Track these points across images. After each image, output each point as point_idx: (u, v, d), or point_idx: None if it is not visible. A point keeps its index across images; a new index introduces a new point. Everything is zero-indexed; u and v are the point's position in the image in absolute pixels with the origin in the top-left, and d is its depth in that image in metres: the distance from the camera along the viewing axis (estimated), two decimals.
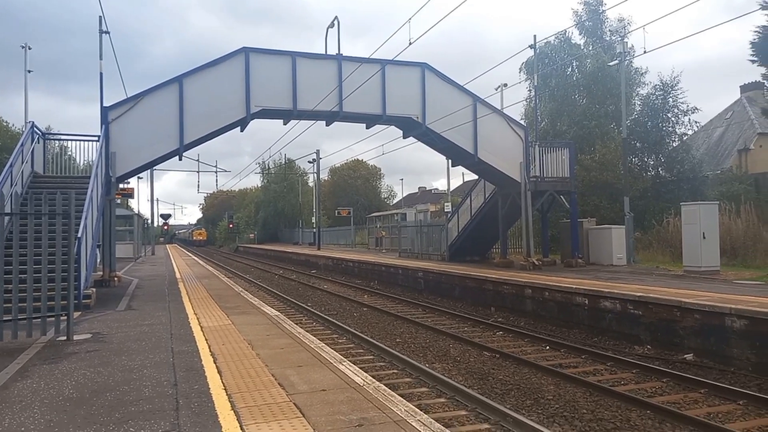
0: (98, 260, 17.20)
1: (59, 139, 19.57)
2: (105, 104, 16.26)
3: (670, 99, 28.02)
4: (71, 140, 17.53)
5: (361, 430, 4.48)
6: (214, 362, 6.80)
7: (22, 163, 14.04)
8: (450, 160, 24.29)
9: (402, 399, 5.44)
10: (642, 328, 11.29)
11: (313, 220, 51.55)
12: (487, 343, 11.72)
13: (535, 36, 22.27)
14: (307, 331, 10.05)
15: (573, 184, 20.94)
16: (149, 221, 52.87)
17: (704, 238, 15.56)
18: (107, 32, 17.32)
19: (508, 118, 20.56)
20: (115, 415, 4.92)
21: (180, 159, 17.82)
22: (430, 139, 19.94)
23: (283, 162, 66.18)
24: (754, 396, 7.76)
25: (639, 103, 30.19)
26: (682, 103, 28.02)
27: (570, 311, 13.28)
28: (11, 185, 12.79)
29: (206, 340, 8.20)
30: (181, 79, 16.66)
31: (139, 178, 44.18)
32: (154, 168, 32.38)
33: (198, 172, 43.56)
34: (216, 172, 42.66)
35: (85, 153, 17.18)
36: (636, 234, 21.85)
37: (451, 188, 41.07)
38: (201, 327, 9.31)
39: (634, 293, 11.69)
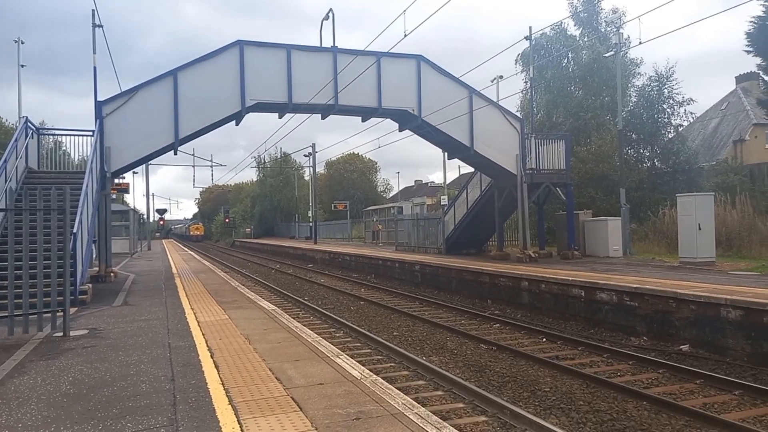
0: (94, 256, 17.16)
1: (53, 134, 19.50)
2: (99, 98, 16.18)
3: (666, 90, 28.00)
4: (66, 135, 17.45)
5: (359, 423, 4.49)
6: (211, 357, 6.80)
7: (17, 158, 13.98)
8: (446, 153, 24.29)
9: (399, 392, 5.46)
10: (638, 319, 11.33)
11: (310, 214, 51.51)
12: (484, 335, 11.75)
13: (530, 27, 22.21)
14: (304, 325, 10.06)
15: (569, 176, 20.96)
16: (145, 216, 52.75)
17: (700, 229, 15.60)
18: (100, 26, 17.22)
19: (504, 110, 20.53)
20: (113, 410, 4.92)
21: (175, 153, 17.78)
22: (426, 132, 19.91)
23: (279, 156, 66.10)
24: (749, 386, 7.80)
25: (634, 94, 30.17)
26: (678, 94, 28.03)
27: (566, 303, 13.31)
28: (5, 181, 12.74)
29: (203, 334, 8.20)
30: (175, 72, 16.58)
31: (134, 173, 44.15)
32: (150, 162, 32.30)
33: (193, 166, 43.57)
34: (211, 166, 42.69)
35: (79, 148, 17.13)
36: (632, 225, 21.89)
37: (448, 181, 41.07)
38: (198, 322, 9.31)
39: (630, 285, 11.72)
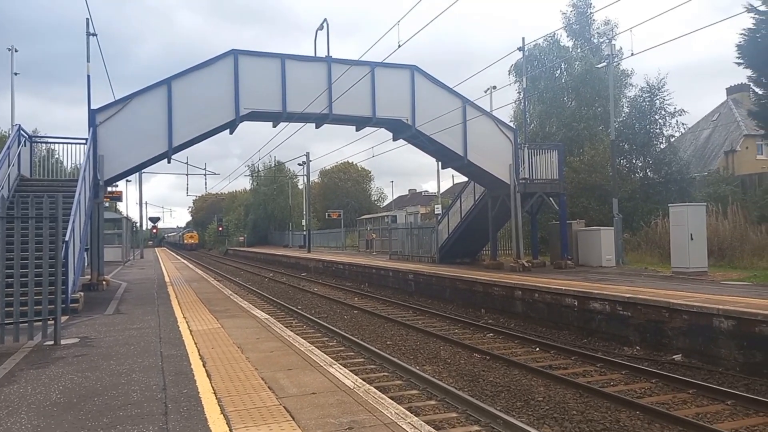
0: (86, 264, 17.06)
1: (46, 142, 19.44)
2: (93, 107, 16.15)
3: (657, 101, 28.21)
4: (58, 143, 17.40)
5: None
6: (204, 366, 6.76)
7: (9, 166, 13.91)
8: (440, 163, 24.32)
9: (392, 402, 5.44)
10: (631, 329, 11.34)
11: (303, 223, 51.44)
12: (477, 345, 11.74)
13: (523, 38, 22.33)
14: (297, 334, 10.03)
15: (562, 185, 21.04)
16: (138, 224, 52.54)
17: (692, 239, 15.67)
18: (94, 34, 17.21)
19: (498, 121, 20.63)
20: (103, 419, 4.88)
21: (169, 162, 17.74)
22: (419, 142, 19.96)
23: (273, 164, 66.04)
24: (742, 396, 7.82)
25: (627, 105, 30.38)
26: (669, 105, 28.24)
27: (560, 313, 13.32)
28: None
29: (195, 343, 8.15)
30: (169, 81, 16.58)
31: (127, 181, 43.85)
32: (143, 171, 32.22)
33: (187, 174, 43.41)
34: (205, 174, 42.57)
35: (72, 156, 17.09)
36: (625, 235, 21.97)
37: (441, 190, 41.18)
38: (190, 330, 9.26)
39: (623, 294, 11.75)
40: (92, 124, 15.79)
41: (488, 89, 26.91)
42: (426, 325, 14.35)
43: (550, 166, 20.83)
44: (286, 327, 10.49)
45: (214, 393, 5.60)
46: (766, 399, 7.67)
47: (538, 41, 30.88)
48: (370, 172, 71.03)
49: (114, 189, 23.96)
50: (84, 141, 15.98)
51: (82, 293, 13.10)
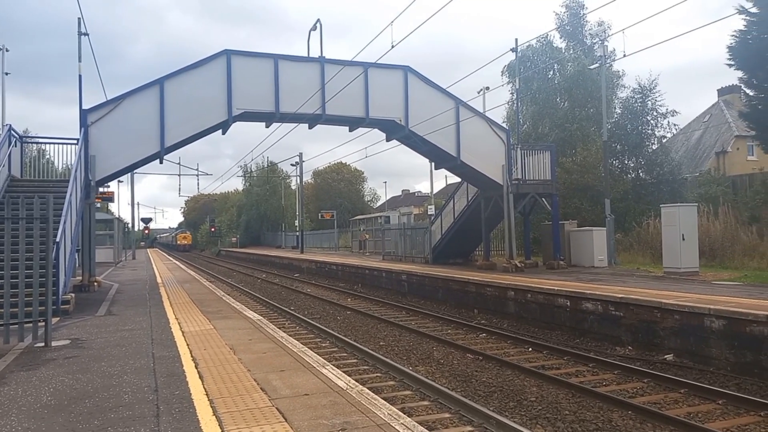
0: (77, 265, 16.97)
1: (37, 143, 19.33)
2: (84, 107, 16.07)
3: (649, 102, 28.36)
4: (50, 143, 17.29)
5: None
6: (196, 367, 6.73)
7: None
8: (433, 163, 24.34)
9: (385, 402, 5.44)
10: (623, 329, 11.39)
11: (296, 224, 51.35)
12: (470, 345, 11.75)
13: (516, 39, 22.40)
14: (289, 335, 10.00)
15: (554, 186, 21.11)
16: (130, 225, 52.31)
17: (683, 239, 15.75)
18: (86, 34, 17.12)
19: (491, 121, 20.67)
20: (94, 422, 4.85)
21: (161, 162, 17.67)
22: (413, 142, 19.98)
23: (266, 165, 65.91)
24: (733, 395, 7.86)
25: (619, 106, 30.53)
26: (661, 106, 28.41)
27: (552, 313, 13.36)
28: None
29: (187, 345, 8.12)
30: (161, 81, 16.52)
31: (119, 181, 43.74)
32: (135, 171, 32.09)
33: (179, 175, 43.24)
34: (197, 175, 42.42)
35: (63, 156, 16.98)
36: (617, 236, 22.06)
37: (435, 191, 41.21)
38: (182, 332, 9.22)
39: (615, 295, 11.79)
40: (84, 124, 15.71)
41: (481, 90, 26.98)
42: (419, 326, 14.35)
43: (543, 167, 20.90)
44: (279, 328, 10.47)
45: (207, 394, 5.58)
46: (756, 398, 7.72)
47: (531, 42, 31.02)
48: (363, 173, 71.11)
49: (105, 189, 23.83)
50: (75, 141, 15.90)
51: (73, 294, 13.03)
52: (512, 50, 22.96)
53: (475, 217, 21.79)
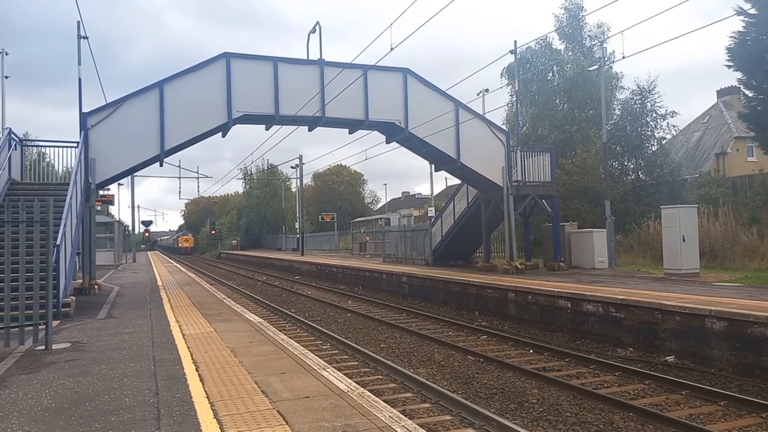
0: (77, 268, 16.96)
1: (37, 146, 19.38)
2: (84, 110, 16.07)
3: (648, 104, 28.38)
4: (49, 147, 17.31)
5: None
6: (197, 370, 6.73)
7: None
8: (433, 165, 24.34)
9: (386, 405, 5.43)
10: (624, 330, 11.38)
11: (297, 226, 51.35)
12: (471, 347, 11.74)
13: (515, 41, 22.46)
14: (290, 337, 9.99)
15: (554, 188, 21.10)
16: (130, 228, 52.31)
17: (684, 240, 15.75)
18: (86, 37, 17.13)
19: (490, 123, 20.68)
20: (95, 425, 4.84)
21: (161, 165, 17.69)
22: (413, 144, 19.98)
23: (266, 167, 65.93)
24: (734, 397, 7.85)
25: (618, 107, 30.55)
26: (660, 107, 28.43)
27: (553, 315, 13.35)
28: None
29: (188, 347, 8.11)
30: (161, 84, 16.53)
31: (119, 184, 43.71)
32: (135, 174, 32.06)
33: (179, 177, 43.24)
34: (197, 177, 42.42)
35: (64, 159, 16.97)
36: (617, 237, 22.05)
37: (435, 193, 41.17)
38: (183, 335, 9.21)
39: (615, 296, 11.78)
40: (83, 127, 15.71)
41: (481, 92, 26.95)
42: (420, 328, 14.34)
43: (543, 169, 20.89)
44: (280, 330, 10.47)
45: (207, 397, 5.58)
46: (758, 399, 7.72)
47: (530, 44, 31.03)
48: (363, 175, 71.13)
49: (106, 192, 23.86)
50: (75, 144, 15.90)
51: (73, 297, 13.02)
52: (511, 52, 23.00)
53: (475, 219, 21.79)
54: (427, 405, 7.93)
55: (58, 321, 10.53)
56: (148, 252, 70.87)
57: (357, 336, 13.77)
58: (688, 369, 9.59)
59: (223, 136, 18.10)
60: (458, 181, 24.31)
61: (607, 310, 11.78)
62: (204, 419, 4.90)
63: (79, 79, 17.01)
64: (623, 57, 17.42)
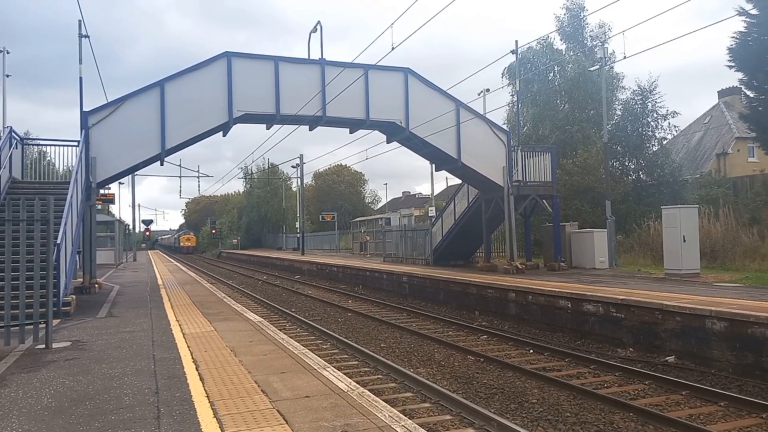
0: (78, 267, 16.95)
1: (38, 144, 19.34)
2: (85, 109, 16.07)
3: (649, 104, 28.36)
4: (50, 145, 17.29)
5: None
6: (197, 369, 6.73)
7: (0, 169, 13.82)
8: (434, 165, 24.33)
9: (386, 404, 5.43)
10: (624, 330, 11.37)
11: (297, 225, 51.34)
12: (471, 347, 11.74)
13: (516, 41, 22.44)
14: (290, 337, 10.00)
15: (555, 188, 21.08)
16: (130, 227, 52.31)
17: (684, 241, 15.74)
18: (87, 36, 17.12)
19: (491, 123, 20.67)
20: (95, 424, 4.84)
21: (162, 164, 17.68)
22: (413, 144, 19.97)
23: (266, 167, 65.92)
24: (734, 397, 7.84)
25: (619, 108, 30.53)
26: (661, 107, 28.41)
27: (553, 315, 13.34)
28: None
29: (188, 347, 8.11)
30: (162, 83, 16.53)
31: (120, 183, 43.75)
32: (136, 173, 32.09)
33: (180, 177, 43.14)
34: (198, 177, 42.32)
35: (64, 158, 16.96)
36: (618, 237, 22.04)
37: (435, 193, 41.16)
38: (183, 334, 9.21)
39: (616, 296, 11.78)
40: (84, 126, 15.71)
41: (481, 92, 26.95)
42: (420, 328, 14.34)
43: (544, 169, 20.88)
44: (280, 330, 10.47)
45: (207, 396, 5.58)
46: (758, 400, 7.71)
47: (531, 44, 31.00)
48: (363, 175, 71.09)
49: (106, 191, 23.87)
50: (76, 143, 15.89)
51: (74, 296, 13.03)
52: (512, 52, 22.96)
53: (475, 219, 21.78)
54: (427, 405, 7.93)
55: (59, 320, 10.53)
56: (149, 251, 70.88)
57: (357, 335, 13.77)
58: (688, 369, 9.58)
59: (224, 135, 18.10)
60: (459, 181, 24.31)
61: (608, 310, 11.77)
62: (204, 418, 4.90)
63: (80, 78, 17.01)
64: (624, 57, 17.42)
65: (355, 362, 10.74)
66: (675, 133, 31.18)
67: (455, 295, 17.68)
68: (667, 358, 10.20)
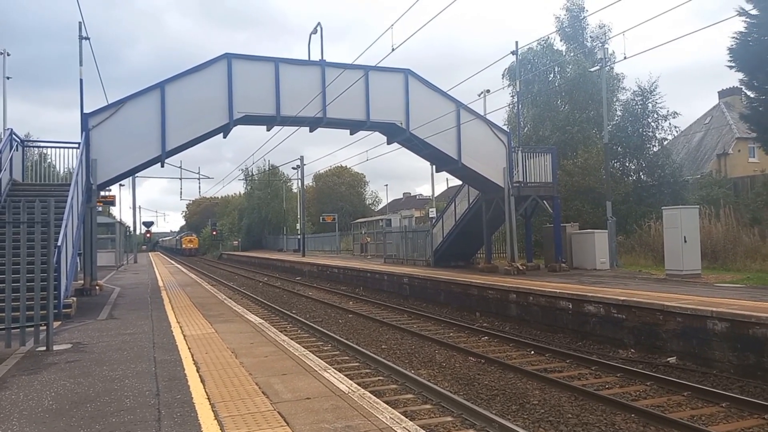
0: (79, 269, 16.95)
1: (39, 146, 19.36)
2: (85, 111, 16.08)
3: (650, 104, 28.35)
4: (51, 147, 17.30)
5: None
6: (197, 371, 6.72)
7: (1, 171, 13.82)
8: (434, 166, 24.34)
9: (387, 406, 5.42)
10: (625, 331, 11.36)
11: (298, 227, 51.35)
12: (472, 348, 11.73)
13: (517, 42, 22.50)
14: (291, 338, 9.98)
15: (556, 189, 21.08)
16: (131, 229, 52.33)
17: (685, 241, 15.72)
18: (87, 38, 17.14)
19: (492, 124, 20.67)
20: (96, 426, 4.83)
21: (162, 166, 17.70)
22: (414, 145, 19.97)
23: (267, 168, 65.97)
24: (736, 398, 7.83)
25: (620, 108, 30.52)
26: (661, 108, 28.40)
27: (554, 315, 13.33)
28: None
29: (189, 348, 8.11)
30: (163, 85, 16.54)
31: (120, 185, 43.75)
32: (136, 175, 32.08)
33: (180, 178, 43.28)
34: (199, 178, 42.44)
35: (65, 160, 16.94)
36: (618, 238, 22.03)
37: (436, 194, 41.17)
38: (184, 335, 9.21)
39: (617, 297, 11.76)
40: (85, 128, 15.71)
41: (482, 93, 26.95)
42: (421, 329, 14.33)
43: (544, 170, 20.87)
44: (281, 331, 10.46)
45: (208, 398, 5.57)
46: (760, 401, 7.69)
47: (531, 45, 31.03)
48: (364, 176, 71.12)
49: (107, 193, 23.89)
50: (77, 145, 15.89)
51: (74, 298, 13.02)
52: (513, 53, 22.99)
53: (476, 220, 21.77)
54: (428, 406, 7.91)
55: (59, 322, 10.53)
56: (150, 253, 70.89)
57: (358, 337, 13.76)
58: (689, 370, 9.57)
59: (225, 136, 18.10)
60: (459, 182, 24.30)
61: (609, 311, 11.76)
62: (205, 420, 4.89)
63: (81, 80, 17.03)
64: (624, 58, 17.43)
65: (356, 364, 10.73)
66: (675, 134, 31.15)
67: (456, 296, 17.67)
68: (668, 359, 10.19)
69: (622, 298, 11.62)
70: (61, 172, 18.29)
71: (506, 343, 12.40)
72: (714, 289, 12.89)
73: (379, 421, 4.82)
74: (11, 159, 14.98)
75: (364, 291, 24.25)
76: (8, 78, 27.23)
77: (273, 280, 33.12)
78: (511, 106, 32.03)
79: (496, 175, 19.88)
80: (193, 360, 7.33)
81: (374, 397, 5.69)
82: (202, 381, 6.25)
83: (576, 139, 28.97)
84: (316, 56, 18.18)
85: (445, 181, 67.64)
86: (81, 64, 17.06)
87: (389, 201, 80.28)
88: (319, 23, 17.90)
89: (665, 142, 30.06)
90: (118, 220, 45.51)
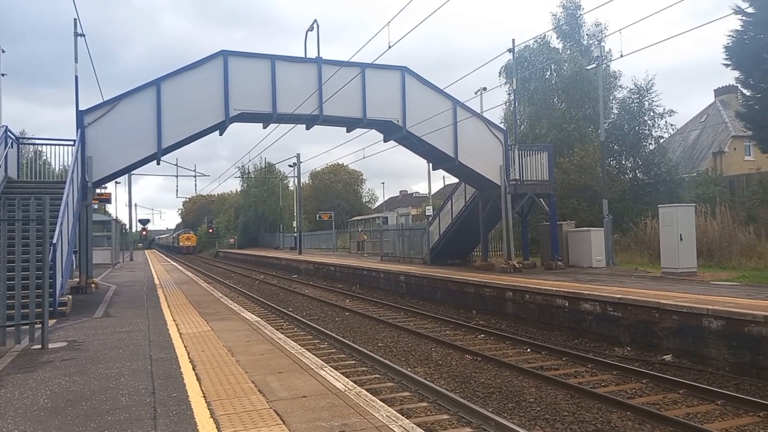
0: (74, 266, 16.90)
1: (34, 144, 19.28)
2: (81, 108, 16.01)
3: (646, 102, 28.39)
4: (46, 145, 17.24)
5: None
6: (193, 369, 6.71)
7: None
8: (431, 164, 24.33)
9: (384, 404, 5.42)
10: (622, 329, 11.38)
11: (294, 225, 51.29)
12: (468, 346, 11.74)
13: (513, 40, 22.40)
14: (287, 336, 9.98)
15: (552, 187, 21.10)
16: (127, 226, 52.19)
17: (681, 239, 15.76)
18: (82, 35, 17.06)
19: (488, 122, 20.66)
20: (91, 424, 4.82)
21: (158, 163, 17.62)
22: (410, 143, 19.95)
23: (263, 166, 65.81)
24: (731, 396, 7.85)
25: (616, 106, 30.55)
26: (658, 106, 28.44)
27: (550, 313, 13.35)
28: None
29: (185, 346, 8.09)
30: (158, 82, 16.48)
31: (116, 182, 43.57)
32: (132, 172, 32.02)
33: (176, 176, 43.13)
34: (195, 176, 42.35)
35: (60, 158, 16.92)
36: (614, 236, 22.05)
37: (432, 191, 41.19)
38: (180, 333, 9.19)
39: (613, 295, 11.79)
40: (80, 125, 15.65)
41: (478, 91, 26.99)
42: (417, 327, 14.33)
43: (541, 167, 20.89)
44: (277, 329, 10.45)
45: (204, 396, 5.56)
46: (755, 399, 7.72)
47: (528, 43, 31.02)
48: (361, 174, 71.02)
49: (103, 191, 23.79)
50: (72, 142, 15.84)
51: (70, 296, 12.99)
52: (509, 51, 22.98)
53: (473, 218, 21.78)
54: (424, 404, 7.92)
55: (55, 320, 10.50)
56: (146, 251, 70.72)
57: (354, 335, 13.75)
58: (685, 368, 9.59)
59: (221, 134, 18.07)
60: (456, 180, 24.30)
61: (605, 309, 11.78)
62: (201, 419, 4.88)
63: (76, 77, 16.96)
64: (621, 55, 17.51)
65: (353, 362, 10.73)
66: (671, 132, 31.20)
67: (452, 294, 17.68)
68: (664, 357, 10.21)
69: (618, 296, 11.64)
70: (57, 169, 18.22)
71: (502, 341, 12.42)
72: (710, 287, 12.92)
73: (376, 419, 4.82)
74: (6, 156, 14.93)
75: (360, 289, 24.25)
76: (3, 75, 27.08)
77: (269, 277, 33.09)
78: (507, 103, 32.05)
79: (493, 173, 19.89)
80: (189, 358, 7.31)
81: (370, 395, 5.68)
82: (198, 379, 6.24)
83: (572, 137, 28.99)
84: (312, 54, 18.16)
85: (442, 179, 67.61)
86: (76, 61, 16.99)
87: (386, 199, 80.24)
88: (315, 20, 17.87)
89: (661, 140, 30.11)
90: (114, 217, 45.34)
